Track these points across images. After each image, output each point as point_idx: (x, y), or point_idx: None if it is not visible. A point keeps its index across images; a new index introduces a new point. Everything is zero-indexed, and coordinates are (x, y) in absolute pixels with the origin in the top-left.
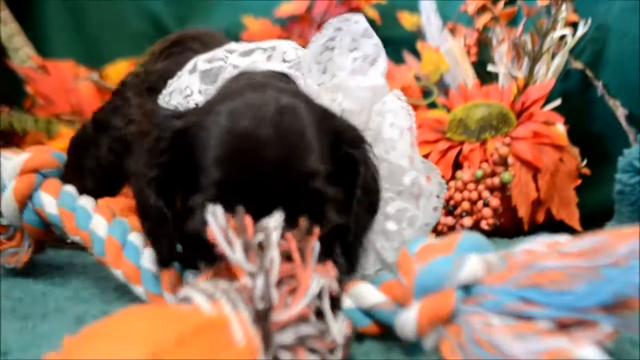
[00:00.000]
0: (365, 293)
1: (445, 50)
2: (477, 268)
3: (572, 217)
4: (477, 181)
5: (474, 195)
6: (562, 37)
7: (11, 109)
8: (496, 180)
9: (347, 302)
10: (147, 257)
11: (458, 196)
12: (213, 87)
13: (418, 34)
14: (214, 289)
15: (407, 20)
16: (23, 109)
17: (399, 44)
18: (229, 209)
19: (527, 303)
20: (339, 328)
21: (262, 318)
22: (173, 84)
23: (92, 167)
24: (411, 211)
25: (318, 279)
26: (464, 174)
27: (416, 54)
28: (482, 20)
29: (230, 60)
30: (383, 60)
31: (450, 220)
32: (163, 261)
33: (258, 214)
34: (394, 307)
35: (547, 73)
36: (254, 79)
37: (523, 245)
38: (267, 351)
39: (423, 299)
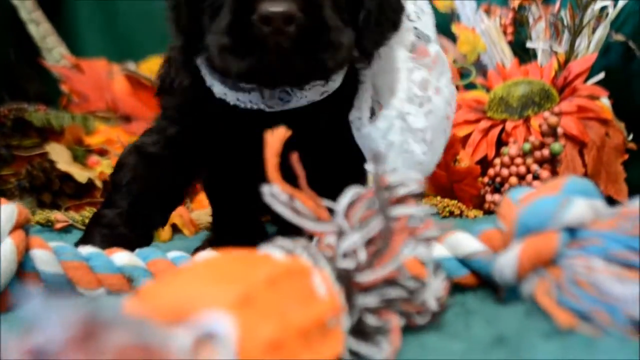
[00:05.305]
0: (463, 242)
1: (481, 31)
2: (583, 211)
3: (620, 193)
4: (525, 155)
5: (522, 169)
6: (603, 9)
7: (48, 107)
8: (545, 152)
9: (443, 252)
10: None
11: (505, 172)
12: None
13: (451, 16)
14: (294, 246)
15: (440, 2)
16: (59, 107)
17: None
18: None
19: (634, 252)
20: (434, 292)
21: (344, 277)
22: None
23: None
24: (435, 83)
25: (411, 243)
26: (511, 149)
27: (450, 37)
28: None
29: None
30: None
31: (497, 197)
32: None
33: None
34: (493, 256)
35: (589, 47)
36: None
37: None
38: (350, 312)
39: (526, 239)
